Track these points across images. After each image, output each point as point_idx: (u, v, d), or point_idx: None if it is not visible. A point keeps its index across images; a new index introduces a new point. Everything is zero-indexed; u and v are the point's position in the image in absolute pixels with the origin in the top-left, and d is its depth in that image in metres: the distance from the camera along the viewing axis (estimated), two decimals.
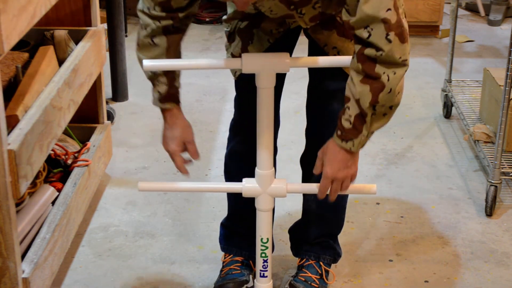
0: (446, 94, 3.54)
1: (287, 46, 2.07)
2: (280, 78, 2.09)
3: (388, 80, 1.72)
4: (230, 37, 2.07)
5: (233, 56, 2.06)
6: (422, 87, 3.95)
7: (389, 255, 2.55)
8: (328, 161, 1.87)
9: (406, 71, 1.74)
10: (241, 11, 2.00)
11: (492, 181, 2.76)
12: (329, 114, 2.07)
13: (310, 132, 2.20)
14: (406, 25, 1.72)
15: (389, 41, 1.68)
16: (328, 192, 1.92)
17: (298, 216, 2.44)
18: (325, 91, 2.11)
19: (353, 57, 1.76)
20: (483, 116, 3.26)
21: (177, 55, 1.96)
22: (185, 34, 1.95)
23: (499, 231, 2.70)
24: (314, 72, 2.13)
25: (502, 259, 2.54)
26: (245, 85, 2.04)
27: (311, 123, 2.19)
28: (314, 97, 2.16)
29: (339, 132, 1.83)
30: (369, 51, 1.70)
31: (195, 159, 2.05)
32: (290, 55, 2.08)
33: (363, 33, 1.69)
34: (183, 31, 1.94)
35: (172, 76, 1.96)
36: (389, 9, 1.67)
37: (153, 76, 1.94)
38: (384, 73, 1.71)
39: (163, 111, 2.01)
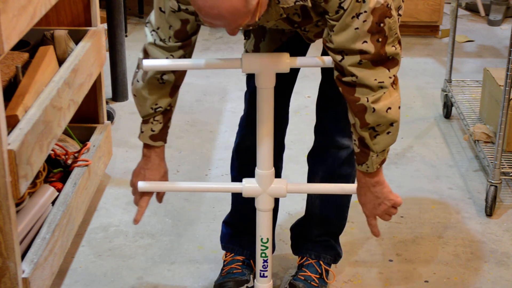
0: (446, 94, 3.55)
1: (300, 46, 2.07)
2: (289, 78, 2.09)
3: (368, 101, 1.74)
4: (246, 34, 2.09)
5: (247, 52, 2.06)
6: (422, 87, 3.95)
7: (389, 255, 2.55)
8: (362, 202, 1.96)
9: (385, 92, 1.75)
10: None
11: (492, 181, 2.76)
12: (338, 113, 2.08)
13: (320, 129, 2.21)
14: (393, 52, 1.73)
15: (360, 64, 1.71)
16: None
17: (298, 215, 2.44)
18: (335, 89, 2.11)
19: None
20: (483, 116, 3.26)
21: (177, 92, 1.97)
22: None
23: (499, 231, 2.70)
24: (326, 70, 2.13)
25: (502, 259, 2.54)
26: (255, 81, 2.04)
27: (320, 120, 2.20)
28: (325, 95, 2.16)
29: (355, 157, 1.88)
30: (345, 79, 1.74)
31: (159, 202, 2.13)
32: (304, 55, 2.08)
33: (337, 57, 1.72)
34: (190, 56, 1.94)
35: (169, 117, 1.98)
36: (365, 42, 1.68)
37: (150, 115, 1.96)
38: (362, 95, 1.74)
39: (149, 148, 2.01)
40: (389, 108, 1.78)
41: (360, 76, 1.72)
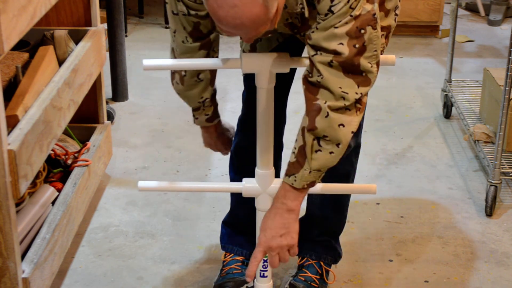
0: (446, 94, 3.55)
1: (296, 46, 2.07)
2: (286, 78, 2.09)
3: (325, 103, 1.69)
4: None
5: (244, 52, 2.06)
6: (422, 87, 3.95)
7: (389, 255, 2.55)
8: (264, 227, 1.81)
9: (346, 107, 1.69)
10: None
11: (492, 181, 2.76)
12: None
13: None
14: (367, 68, 1.67)
15: (330, 66, 1.66)
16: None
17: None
18: None
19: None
20: (483, 116, 3.26)
21: (215, 78, 2.03)
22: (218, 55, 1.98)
23: (499, 231, 2.70)
24: None
25: (502, 259, 2.54)
26: (252, 81, 2.04)
27: None
28: None
29: (285, 171, 1.81)
30: (311, 79, 1.71)
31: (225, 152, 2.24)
32: (300, 55, 2.08)
33: (311, 51, 1.69)
34: (217, 53, 1.96)
35: (215, 97, 2.06)
36: (340, 43, 1.64)
37: (200, 105, 2.04)
38: (322, 98, 1.69)
39: (207, 127, 2.15)
40: (342, 125, 1.70)
41: (325, 77, 1.67)
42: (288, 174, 1.79)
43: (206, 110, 2.06)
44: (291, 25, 1.83)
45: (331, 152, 1.74)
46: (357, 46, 1.65)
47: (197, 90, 1.99)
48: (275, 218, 1.81)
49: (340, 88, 1.67)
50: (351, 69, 1.67)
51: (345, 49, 1.65)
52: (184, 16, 1.80)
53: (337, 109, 1.69)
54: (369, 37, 1.66)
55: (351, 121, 1.71)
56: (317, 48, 1.68)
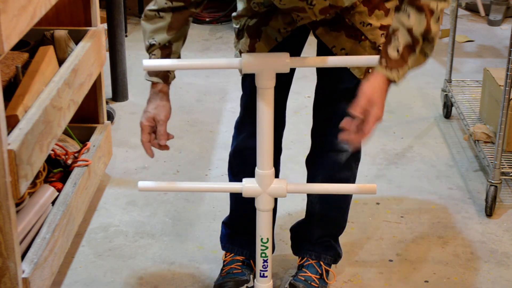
0: (446, 94, 3.55)
1: (295, 46, 2.07)
2: (286, 78, 2.09)
3: (436, 8, 1.76)
4: (239, 34, 2.07)
5: (240, 53, 2.05)
6: (422, 87, 3.95)
7: (389, 255, 2.55)
8: (366, 96, 1.79)
9: (447, 5, 1.78)
10: (251, 8, 2.00)
11: (492, 181, 2.76)
12: (337, 115, 2.06)
13: (317, 133, 2.20)
14: None
15: None
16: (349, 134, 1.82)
17: (298, 216, 2.44)
18: (333, 91, 2.11)
19: None
20: (483, 116, 3.26)
21: (181, 34, 1.95)
22: (191, 16, 1.94)
23: (499, 231, 2.70)
24: (322, 73, 2.13)
25: (502, 259, 2.54)
26: (250, 84, 2.04)
27: (318, 123, 2.19)
28: (322, 97, 2.15)
29: (384, 63, 1.81)
30: None
31: (160, 144, 1.99)
32: (299, 55, 2.08)
33: None
34: (192, 12, 1.93)
35: (168, 53, 1.94)
36: None
37: (149, 48, 1.94)
38: (431, 2, 1.75)
39: (152, 87, 1.99)
40: (439, 22, 1.81)
41: None
42: (390, 67, 1.80)
43: (151, 58, 1.94)
44: None
45: (425, 55, 1.84)
46: None
47: (152, 26, 1.92)
48: (377, 90, 1.81)
49: None
50: None
51: None
52: None
53: (442, 11, 1.78)
54: None
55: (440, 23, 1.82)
56: None
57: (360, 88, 1.81)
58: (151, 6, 1.92)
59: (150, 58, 1.94)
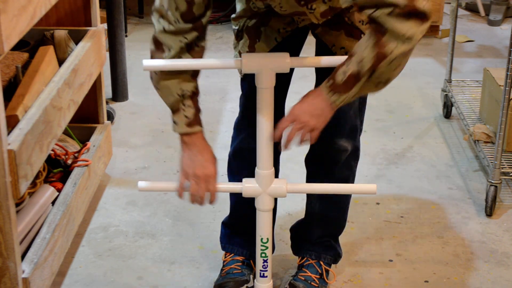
0: (446, 94, 3.54)
1: (295, 46, 2.07)
2: (285, 78, 2.09)
3: (392, 52, 1.72)
4: (238, 35, 2.07)
5: (240, 54, 2.05)
6: (422, 87, 3.95)
7: (389, 255, 2.55)
8: (304, 100, 1.84)
9: (411, 48, 1.74)
10: (250, 9, 2.00)
11: (492, 181, 2.76)
12: (334, 114, 2.07)
13: None
14: (424, 8, 1.70)
15: (391, 14, 1.68)
16: (283, 136, 1.87)
17: (298, 216, 2.44)
18: None
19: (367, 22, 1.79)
20: (483, 116, 3.26)
21: (199, 74, 1.94)
22: (205, 48, 1.91)
23: (499, 231, 2.70)
24: (320, 73, 2.13)
25: (502, 259, 2.54)
26: (250, 84, 2.04)
27: None
28: None
29: (329, 82, 1.80)
30: (379, 18, 1.70)
31: (211, 203, 2.00)
32: (298, 55, 2.08)
33: (370, 11, 1.70)
34: (204, 43, 1.91)
35: (196, 99, 1.94)
36: None
37: (179, 101, 1.90)
38: (390, 44, 1.72)
39: (189, 135, 1.95)
40: (399, 66, 1.77)
41: (389, 26, 1.70)
42: (332, 91, 1.80)
43: (186, 110, 1.91)
44: None
45: (378, 84, 1.80)
46: None
47: (177, 79, 1.88)
48: (315, 100, 1.82)
49: (405, 34, 1.70)
50: (411, 13, 1.69)
51: (401, 0, 1.67)
52: None
53: (401, 53, 1.73)
54: None
55: (407, 60, 1.77)
56: (372, 5, 1.69)
57: (293, 106, 1.84)
58: (166, 57, 1.85)
59: (182, 112, 1.91)
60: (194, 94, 1.92)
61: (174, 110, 1.93)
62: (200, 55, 1.90)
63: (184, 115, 1.92)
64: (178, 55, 1.85)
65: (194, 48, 1.87)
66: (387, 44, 1.72)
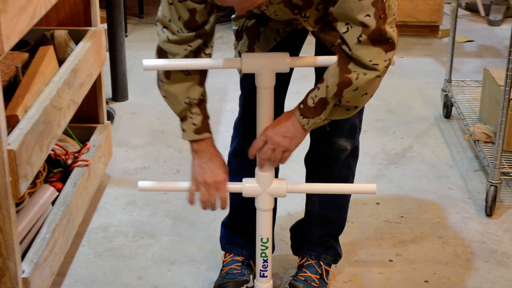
0: (446, 94, 3.55)
1: (294, 46, 2.07)
2: (284, 78, 2.09)
3: (357, 79, 1.75)
4: (238, 36, 2.07)
5: (240, 54, 2.05)
6: (422, 87, 3.95)
7: (389, 255, 2.55)
8: (277, 121, 1.90)
9: (377, 76, 1.76)
10: (249, 10, 2.00)
11: (492, 181, 2.76)
12: None
13: (314, 131, 2.20)
14: (391, 34, 1.73)
15: (359, 41, 1.71)
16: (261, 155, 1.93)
17: (298, 216, 2.44)
18: None
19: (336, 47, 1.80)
20: (483, 116, 3.26)
21: (205, 80, 1.96)
22: (211, 53, 1.92)
23: (499, 231, 2.70)
24: (320, 73, 2.13)
25: (502, 259, 2.54)
26: (249, 84, 2.04)
27: None
28: None
29: (301, 106, 1.86)
30: (344, 47, 1.75)
31: (223, 208, 2.02)
32: (297, 55, 2.08)
33: (342, 28, 1.73)
34: (210, 50, 1.91)
35: (204, 106, 1.96)
36: (367, 15, 1.69)
37: (187, 109, 1.92)
38: (354, 71, 1.75)
39: (199, 142, 1.97)
40: (366, 94, 1.80)
41: (355, 52, 1.73)
42: (302, 114, 1.85)
43: (193, 118, 1.93)
44: (290, 5, 1.83)
45: (347, 110, 1.84)
46: (381, 16, 1.70)
47: (184, 87, 1.90)
48: (287, 122, 1.87)
49: (371, 60, 1.73)
50: (379, 38, 1.72)
51: (372, 21, 1.69)
52: (180, 3, 1.78)
53: (367, 81, 1.76)
54: (388, 4, 1.71)
55: (374, 87, 1.80)
56: (345, 19, 1.71)
57: (267, 127, 1.90)
58: (171, 65, 1.86)
59: (189, 119, 1.93)
60: (201, 101, 1.95)
61: (182, 118, 1.95)
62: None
63: (192, 122, 1.94)
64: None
65: (200, 55, 1.89)
66: (351, 71, 1.75)
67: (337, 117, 1.87)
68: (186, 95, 1.91)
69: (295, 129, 1.87)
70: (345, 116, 1.87)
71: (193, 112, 1.93)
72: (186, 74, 1.90)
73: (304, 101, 1.85)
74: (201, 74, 1.93)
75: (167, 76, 1.90)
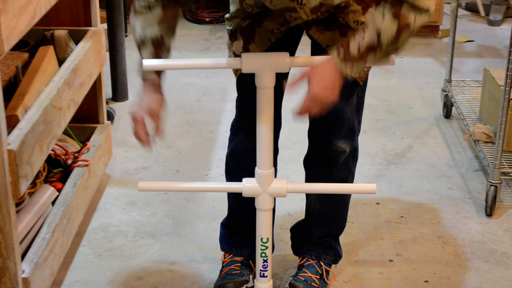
0: (446, 94, 3.55)
1: (289, 46, 2.06)
2: (282, 78, 2.09)
3: (414, 22, 1.75)
4: (232, 36, 2.07)
5: (234, 55, 2.05)
6: (422, 87, 3.95)
7: (389, 255, 2.55)
8: (319, 79, 1.81)
9: (427, 19, 1.77)
10: (244, 9, 2.00)
11: (492, 181, 2.76)
12: (332, 115, 2.06)
13: (313, 134, 2.20)
14: None
15: None
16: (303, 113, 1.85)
17: (298, 216, 2.44)
18: None
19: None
20: (483, 116, 3.26)
21: (172, 28, 1.92)
22: (180, 11, 1.90)
23: (499, 231, 2.70)
24: None
25: (502, 259, 2.54)
26: (246, 85, 2.04)
27: (314, 124, 2.18)
28: None
29: (341, 55, 1.80)
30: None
31: (157, 136, 1.95)
32: (293, 55, 2.08)
33: None
34: (181, 4, 1.89)
35: (159, 48, 1.91)
36: None
37: (141, 43, 1.90)
38: (410, 15, 1.74)
39: (144, 81, 1.95)
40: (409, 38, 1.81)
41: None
42: (345, 60, 1.79)
43: (143, 50, 1.91)
44: None
45: (387, 53, 1.81)
46: None
47: (142, 21, 1.87)
48: (332, 74, 1.80)
49: (423, 6, 1.74)
50: None
51: None
52: None
53: (420, 25, 1.78)
54: None
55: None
56: None
57: (304, 70, 1.82)
58: (139, 2, 1.87)
59: (141, 52, 1.91)
60: (158, 42, 1.90)
61: (139, 51, 1.93)
62: (173, 12, 1.89)
63: (140, 53, 1.92)
64: (148, 5, 1.85)
65: (168, 4, 1.87)
66: (407, 15, 1.75)
67: (376, 62, 1.82)
68: (142, 30, 1.89)
69: (336, 78, 1.80)
70: (383, 62, 1.83)
71: (146, 47, 1.90)
72: (148, 11, 1.87)
73: (344, 49, 1.79)
74: (164, 14, 1.88)
75: (134, 8, 1.89)
